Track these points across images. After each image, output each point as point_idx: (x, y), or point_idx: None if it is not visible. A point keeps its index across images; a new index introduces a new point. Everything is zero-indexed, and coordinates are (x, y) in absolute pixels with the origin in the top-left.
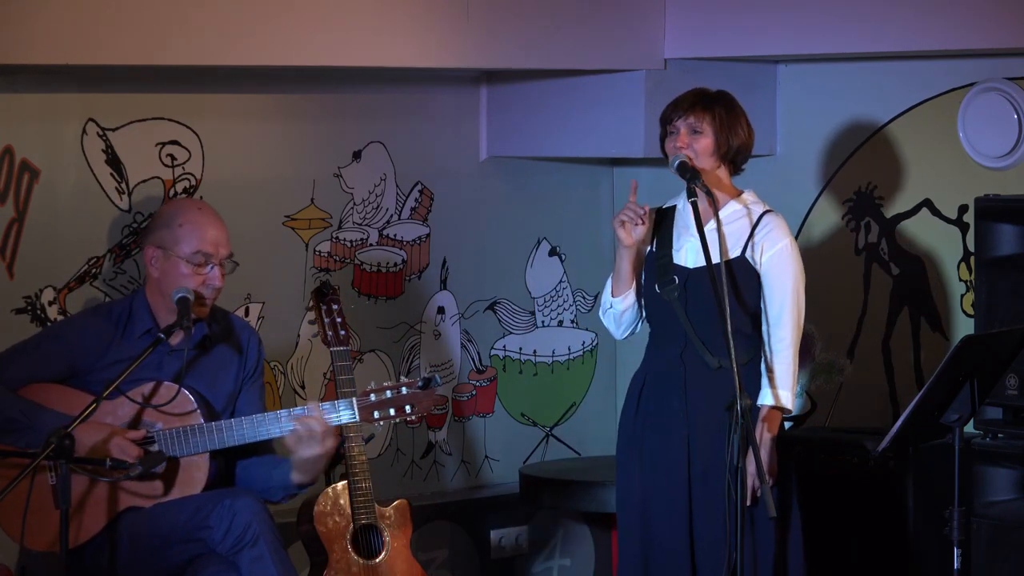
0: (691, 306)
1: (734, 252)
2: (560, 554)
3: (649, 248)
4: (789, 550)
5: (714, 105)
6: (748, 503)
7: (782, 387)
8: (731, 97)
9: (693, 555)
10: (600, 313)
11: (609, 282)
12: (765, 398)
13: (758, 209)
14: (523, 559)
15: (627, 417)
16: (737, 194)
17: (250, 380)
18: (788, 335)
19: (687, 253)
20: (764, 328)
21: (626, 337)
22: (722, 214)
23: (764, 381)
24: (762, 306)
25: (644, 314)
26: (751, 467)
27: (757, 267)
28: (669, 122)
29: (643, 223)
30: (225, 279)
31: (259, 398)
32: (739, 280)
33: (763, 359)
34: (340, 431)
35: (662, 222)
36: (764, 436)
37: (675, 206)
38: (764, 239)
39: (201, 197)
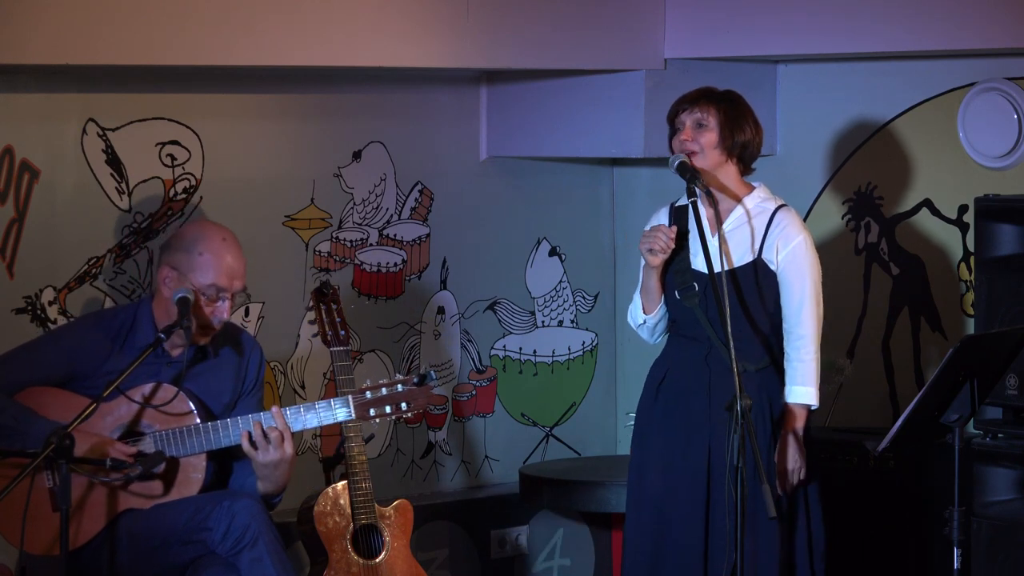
0: (712, 311)
1: (748, 255)
2: (560, 554)
3: None
4: (814, 547)
5: (720, 100)
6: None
7: (806, 383)
8: (738, 95)
9: (706, 556)
10: (632, 324)
11: (638, 299)
12: (791, 396)
13: (770, 206)
14: (523, 559)
15: (645, 406)
16: (747, 191)
17: (248, 394)
18: (809, 331)
19: (703, 259)
20: (785, 326)
21: (660, 340)
22: (729, 219)
23: (790, 378)
24: (782, 305)
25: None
26: (790, 465)
27: (775, 267)
28: (671, 119)
29: (671, 249)
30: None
31: (255, 410)
32: (760, 282)
33: (790, 357)
34: (341, 429)
35: (679, 222)
36: (788, 435)
37: (687, 205)
38: (779, 237)
39: (201, 197)
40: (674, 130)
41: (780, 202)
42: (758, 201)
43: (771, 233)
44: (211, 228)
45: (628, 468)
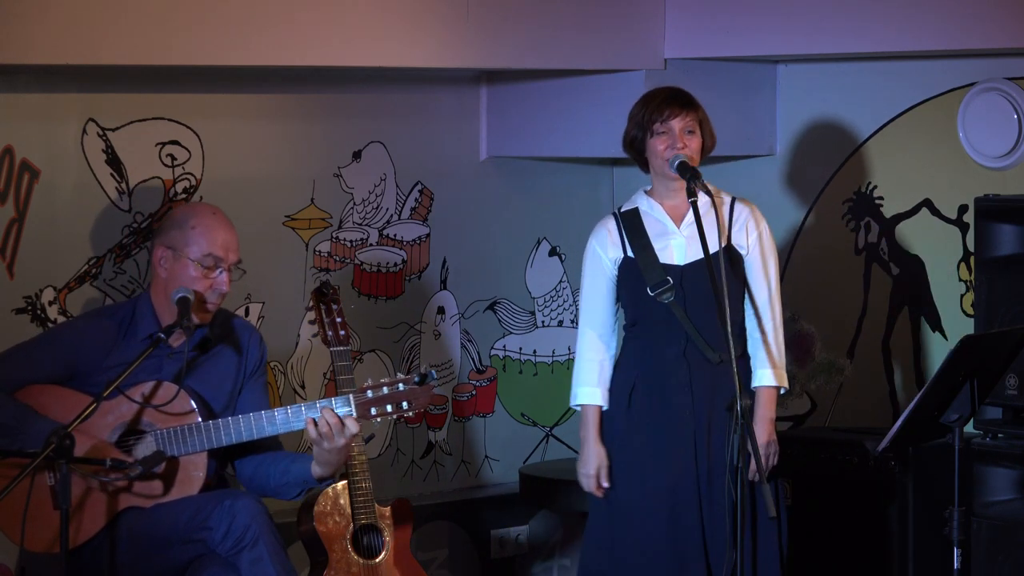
0: (690, 303)
1: (715, 244)
2: (560, 554)
3: (623, 254)
4: (783, 547)
5: (698, 105)
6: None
7: (778, 366)
8: None
9: (707, 552)
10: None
11: (593, 394)
12: (768, 379)
13: (725, 198)
14: (523, 559)
15: (616, 415)
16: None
17: (252, 378)
18: (779, 315)
19: (674, 251)
20: (754, 310)
21: None
22: (688, 215)
23: (763, 362)
24: (751, 289)
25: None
26: (771, 448)
27: (745, 251)
28: (655, 122)
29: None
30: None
31: (262, 393)
32: (732, 268)
33: (760, 340)
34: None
35: (629, 225)
36: (766, 418)
37: (636, 208)
38: (747, 223)
39: (201, 197)
40: (651, 132)
41: (729, 195)
42: (707, 196)
43: (736, 220)
44: (200, 205)
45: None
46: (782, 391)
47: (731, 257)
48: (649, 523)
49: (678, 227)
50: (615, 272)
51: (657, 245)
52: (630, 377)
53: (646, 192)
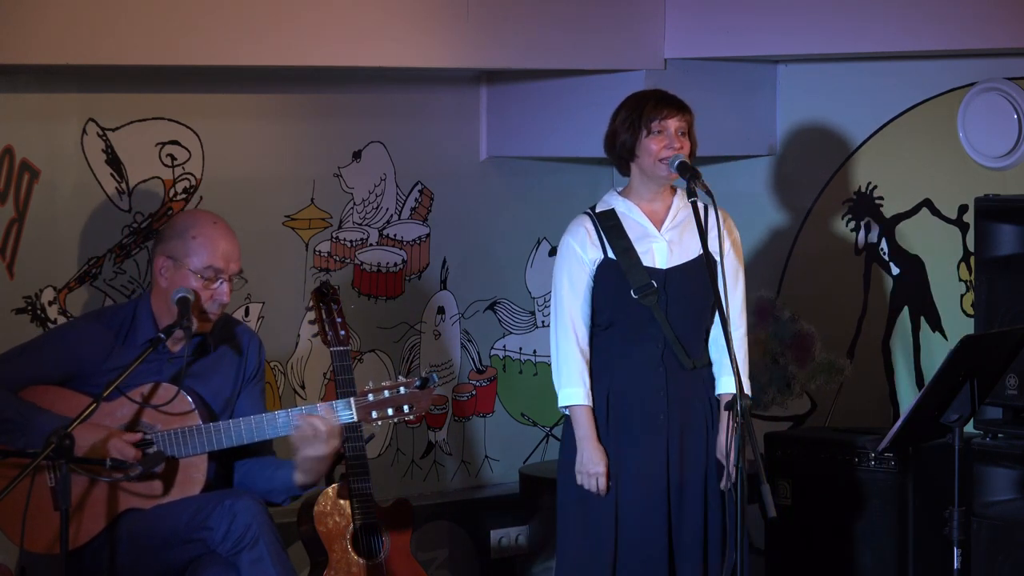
0: (671, 307)
1: (695, 249)
2: None
3: (603, 256)
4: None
5: (690, 109)
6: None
7: (746, 375)
8: None
9: (671, 555)
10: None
11: (578, 392)
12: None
13: (699, 203)
14: (523, 559)
15: (600, 433)
16: (674, 192)
17: (250, 383)
18: (746, 323)
19: (656, 255)
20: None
21: None
22: (669, 218)
23: (729, 368)
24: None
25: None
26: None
27: (720, 258)
28: (652, 121)
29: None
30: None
31: (259, 400)
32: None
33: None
34: (343, 430)
35: (607, 226)
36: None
37: (612, 209)
38: (723, 230)
39: (201, 197)
40: (647, 131)
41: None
42: (685, 200)
43: (713, 227)
44: (202, 214)
45: (563, 486)
46: (751, 399)
47: (710, 260)
48: (623, 535)
49: (659, 230)
50: (593, 272)
51: (639, 248)
52: (603, 383)
53: (619, 193)
